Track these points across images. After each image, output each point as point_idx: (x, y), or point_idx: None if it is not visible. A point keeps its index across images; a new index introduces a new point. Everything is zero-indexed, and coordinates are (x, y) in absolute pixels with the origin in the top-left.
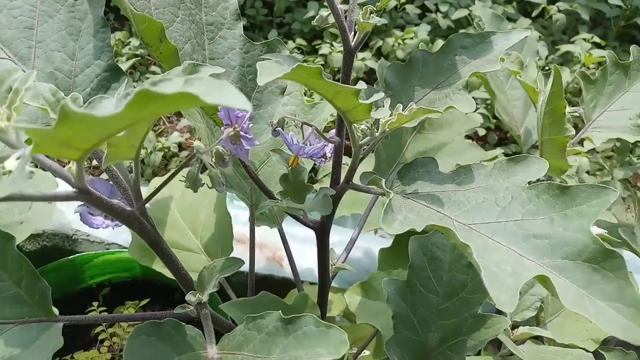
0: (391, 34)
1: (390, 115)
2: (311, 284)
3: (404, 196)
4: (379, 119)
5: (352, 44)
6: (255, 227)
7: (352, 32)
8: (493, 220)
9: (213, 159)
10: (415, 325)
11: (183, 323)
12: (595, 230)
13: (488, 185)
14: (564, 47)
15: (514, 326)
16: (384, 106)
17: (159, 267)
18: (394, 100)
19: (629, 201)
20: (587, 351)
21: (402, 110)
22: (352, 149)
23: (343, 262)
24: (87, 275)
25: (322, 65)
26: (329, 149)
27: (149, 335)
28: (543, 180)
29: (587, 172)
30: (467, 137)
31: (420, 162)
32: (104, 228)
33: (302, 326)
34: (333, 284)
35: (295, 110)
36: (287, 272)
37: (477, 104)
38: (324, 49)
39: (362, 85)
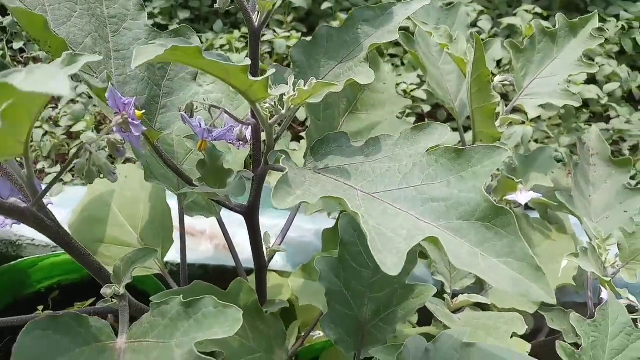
0: (336, 18)
1: (292, 91)
2: (269, 271)
3: (315, 172)
4: (283, 96)
5: (256, 24)
6: (206, 219)
7: (256, 13)
8: (395, 187)
9: (107, 149)
10: (349, 300)
11: (86, 315)
12: (533, 195)
13: (394, 154)
14: (506, 20)
15: (454, 295)
16: (287, 84)
17: None
18: (302, 77)
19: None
20: (528, 313)
21: (304, 86)
22: (264, 129)
23: (279, 245)
24: (34, 280)
25: (269, 52)
26: (248, 132)
27: (44, 329)
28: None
29: (536, 141)
30: (416, 115)
31: (332, 138)
32: (3, 227)
33: (202, 308)
34: (291, 269)
35: (220, 97)
36: (241, 260)
37: (424, 81)
38: (268, 35)
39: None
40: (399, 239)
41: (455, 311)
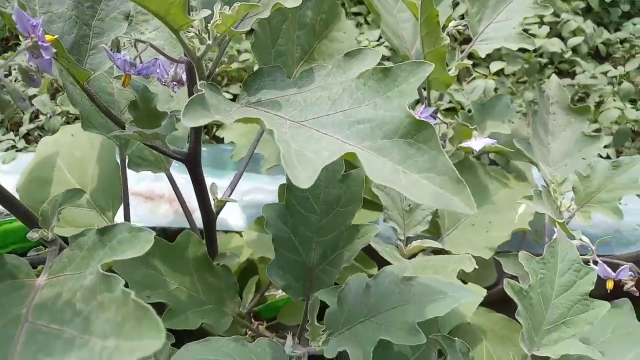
0: None
1: (216, 16)
2: (226, 232)
3: (246, 105)
4: (207, 26)
5: None
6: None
7: None
8: (324, 114)
9: (20, 77)
10: (297, 246)
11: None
12: (487, 141)
13: (326, 83)
14: None
15: (408, 242)
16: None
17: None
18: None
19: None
20: (491, 264)
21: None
22: (193, 64)
23: (229, 197)
24: None
25: None
26: (182, 71)
27: None
28: None
29: None
30: None
31: (266, 72)
32: None
33: (117, 235)
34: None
35: (163, 44)
36: (199, 223)
37: None
38: None
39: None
40: (320, 159)
41: (409, 258)
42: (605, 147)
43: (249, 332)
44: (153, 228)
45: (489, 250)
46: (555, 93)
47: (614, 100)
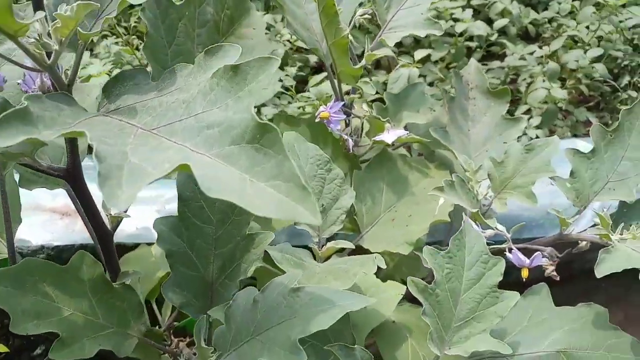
0: None
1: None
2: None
3: (104, 114)
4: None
5: None
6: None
7: None
8: (177, 119)
9: None
10: (194, 260)
11: None
12: (400, 133)
13: (185, 85)
14: None
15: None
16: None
17: None
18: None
19: None
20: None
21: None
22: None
23: (125, 212)
24: None
25: None
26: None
27: None
28: None
29: (430, 84)
30: (310, 68)
31: (128, 75)
32: None
33: None
34: None
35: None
36: (119, 237)
37: None
38: None
39: None
40: (156, 173)
41: (326, 260)
42: (537, 127)
43: (169, 349)
44: (72, 246)
45: (408, 245)
46: (474, 77)
47: (543, 80)
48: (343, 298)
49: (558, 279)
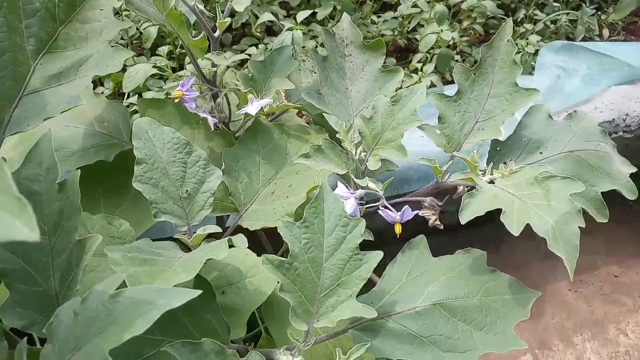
0: None
1: None
2: None
3: None
4: None
5: None
6: None
7: None
8: None
9: None
10: (34, 275)
11: None
12: (263, 102)
13: None
14: None
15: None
16: None
17: None
18: None
19: None
20: None
21: None
22: None
23: None
24: None
25: None
26: None
27: None
28: None
29: (322, 45)
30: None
31: None
32: None
33: None
34: None
35: None
36: None
37: None
38: None
39: None
40: None
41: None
42: (433, 73)
43: None
44: None
45: (288, 217)
46: (349, 33)
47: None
48: (164, 296)
49: (442, 227)
